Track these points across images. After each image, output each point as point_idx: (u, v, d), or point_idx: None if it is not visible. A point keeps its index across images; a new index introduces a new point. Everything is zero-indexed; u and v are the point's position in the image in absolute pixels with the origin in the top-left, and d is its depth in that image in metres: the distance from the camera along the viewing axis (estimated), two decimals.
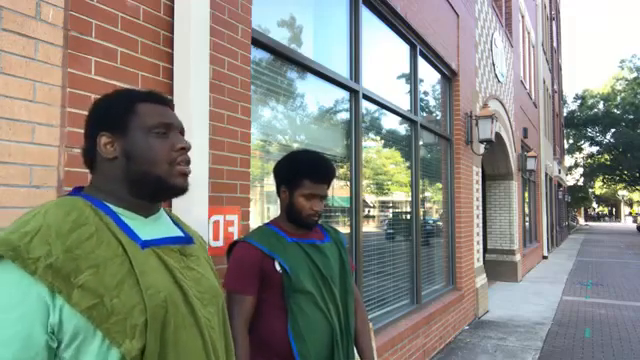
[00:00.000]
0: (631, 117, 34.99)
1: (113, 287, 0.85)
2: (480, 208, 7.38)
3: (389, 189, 4.84)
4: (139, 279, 0.88)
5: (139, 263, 0.91)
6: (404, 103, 5.08)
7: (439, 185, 6.20)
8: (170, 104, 1.07)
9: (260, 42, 2.71)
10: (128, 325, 0.84)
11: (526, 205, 12.77)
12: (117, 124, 0.98)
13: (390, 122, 4.83)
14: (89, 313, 0.81)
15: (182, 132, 1.06)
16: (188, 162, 1.02)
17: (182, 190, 1.02)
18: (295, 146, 3.21)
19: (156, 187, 0.99)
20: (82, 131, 1.60)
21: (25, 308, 0.79)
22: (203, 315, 0.99)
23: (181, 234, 1.08)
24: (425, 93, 5.90)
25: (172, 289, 0.94)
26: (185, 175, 1.01)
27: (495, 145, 8.58)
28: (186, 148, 1.01)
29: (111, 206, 0.97)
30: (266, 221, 1.85)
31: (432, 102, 6.24)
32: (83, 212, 0.91)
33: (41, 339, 0.80)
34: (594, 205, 75.75)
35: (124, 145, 0.98)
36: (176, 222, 1.13)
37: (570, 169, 41.65)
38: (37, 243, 0.82)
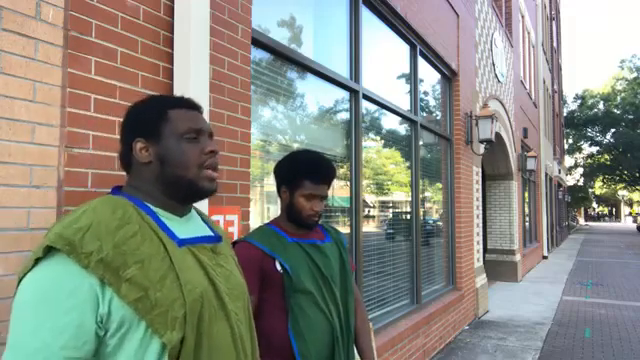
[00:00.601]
0: (631, 117, 34.99)
1: (156, 281, 0.91)
2: (480, 208, 7.38)
3: (389, 189, 4.84)
4: (179, 275, 0.95)
5: (178, 260, 0.97)
6: (404, 103, 5.08)
7: (439, 185, 6.20)
8: (199, 109, 1.13)
9: (260, 42, 2.71)
10: (169, 317, 0.91)
11: (526, 205, 12.77)
12: (151, 131, 1.05)
13: (390, 122, 4.83)
14: (135, 305, 0.88)
15: (211, 135, 1.12)
16: (216, 166, 1.09)
17: (210, 193, 1.08)
18: (295, 146, 3.21)
19: (187, 190, 1.05)
20: (82, 131, 1.61)
21: (78, 298, 0.86)
22: (232, 309, 1.05)
23: (211, 233, 1.15)
24: (425, 93, 5.90)
25: (206, 285, 1.00)
26: (212, 179, 1.07)
27: (495, 145, 8.58)
28: (215, 151, 1.08)
29: (150, 206, 1.04)
30: (266, 221, 1.85)
31: (432, 102, 6.24)
32: (127, 210, 0.97)
33: (91, 328, 0.86)
34: (594, 205, 75.75)
35: (158, 150, 1.05)
36: (205, 221, 1.20)
37: (570, 169, 41.66)
38: (89, 239, 0.88)
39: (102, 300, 0.87)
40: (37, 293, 0.86)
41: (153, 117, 1.06)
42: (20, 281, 0.90)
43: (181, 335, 0.92)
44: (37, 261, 0.89)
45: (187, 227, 1.09)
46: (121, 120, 1.75)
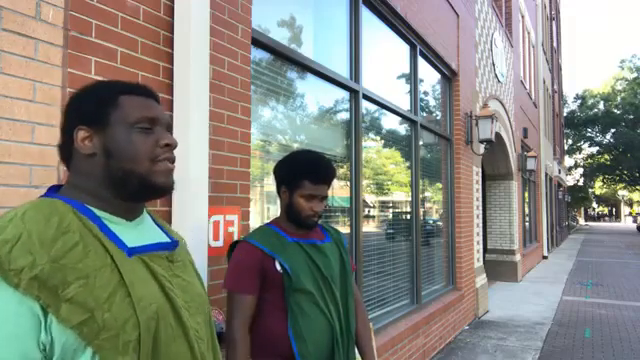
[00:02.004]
0: (631, 117, 34.99)
1: (104, 300, 0.78)
2: (480, 208, 7.38)
3: (389, 189, 4.83)
4: (130, 290, 0.82)
5: (128, 273, 0.83)
6: (404, 103, 5.08)
7: (439, 185, 6.20)
8: (156, 97, 0.99)
9: (260, 42, 2.71)
10: (121, 342, 0.78)
11: (526, 205, 12.77)
12: (97, 117, 0.90)
13: (390, 122, 4.83)
14: (79, 329, 0.75)
15: (169, 128, 0.99)
16: (173, 160, 0.95)
17: (166, 189, 0.94)
18: (295, 146, 3.21)
19: (138, 186, 0.91)
20: None
21: (18, 325, 0.72)
22: (191, 325, 0.92)
23: (166, 238, 1.01)
24: (425, 93, 5.90)
25: (161, 300, 0.87)
26: (167, 174, 0.93)
27: (495, 145, 8.58)
28: (171, 145, 0.94)
29: (94, 210, 0.89)
30: (266, 221, 1.85)
31: (432, 102, 6.24)
32: (65, 217, 0.82)
33: (37, 355, 0.73)
34: (594, 205, 75.74)
35: (104, 140, 0.90)
36: (159, 224, 1.06)
37: (570, 169, 41.66)
38: (18, 253, 0.73)
39: (43, 325, 0.73)
40: None
41: (100, 102, 0.91)
42: None
43: None
44: None
45: (138, 233, 0.94)
46: None
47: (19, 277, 0.72)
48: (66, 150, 0.93)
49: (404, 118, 5.00)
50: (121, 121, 0.90)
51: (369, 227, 4.28)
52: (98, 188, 0.90)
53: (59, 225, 0.80)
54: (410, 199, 5.15)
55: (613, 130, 35.97)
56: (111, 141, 0.89)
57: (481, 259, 7.32)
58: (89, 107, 0.91)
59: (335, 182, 3.57)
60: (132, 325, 0.80)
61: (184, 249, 1.07)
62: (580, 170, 44.11)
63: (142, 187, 0.91)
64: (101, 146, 0.90)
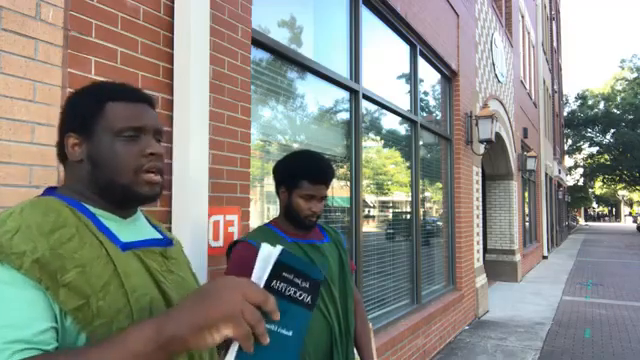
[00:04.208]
0: (631, 117, 34.98)
1: (99, 289, 0.80)
2: (480, 208, 7.38)
3: (389, 189, 4.84)
4: (124, 282, 0.84)
5: (122, 265, 0.86)
6: (404, 103, 5.08)
7: (439, 185, 6.20)
8: (147, 100, 0.98)
9: (260, 42, 2.71)
10: (114, 329, 0.79)
11: (526, 205, 12.77)
12: (83, 125, 0.92)
13: (390, 122, 4.83)
14: (75, 314, 0.77)
15: (159, 133, 0.97)
16: (159, 169, 0.95)
17: (149, 199, 0.95)
18: (295, 146, 3.21)
19: (122, 196, 0.92)
20: None
21: (26, 300, 0.74)
22: None
23: (160, 236, 1.03)
24: (425, 93, 5.90)
25: (155, 293, 0.89)
26: (152, 184, 0.93)
27: (495, 145, 8.58)
28: (156, 154, 0.93)
29: (88, 207, 0.91)
30: (266, 221, 1.85)
31: (432, 102, 6.24)
32: (61, 213, 0.85)
33: (49, 322, 0.75)
34: (594, 205, 75.73)
35: (89, 149, 0.91)
36: (153, 224, 1.07)
37: (570, 169, 41.66)
38: (19, 240, 0.76)
39: (53, 305, 0.76)
40: None
41: (87, 110, 0.92)
42: None
43: None
44: None
45: (132, 230, 0.96)
46: None
47: (21, 260, 0.75)
48: (61, 152, 0.95)
49: (404, 118, 5.00)
50: (106, 130, 0.91)
51: (369, 227, 4.29)
52: (87, 191, 0.93)
53: (56, 220, 0.82)
54: (410, 199, 5.15)
55: (613, 130, 35.96)
56: (96, 150, 0.91)
57: (481, 259, 7.33)
58: (77, 115, 0.93)
59: (335, 182, 3.57)
60: (125, 315, 0.81)
61: (179, 249, 1.09)
62: (580, 170, 44.12)
63: (125, 196, 0.93)
64: (87, 154, 0.92)
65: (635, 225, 43.83)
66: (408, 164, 5.16)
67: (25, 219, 0.80)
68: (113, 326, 0.79)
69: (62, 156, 0.95)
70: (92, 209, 0.91)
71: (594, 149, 40.00)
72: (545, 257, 14.82)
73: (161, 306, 0.89)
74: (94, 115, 0.92)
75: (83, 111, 0.92)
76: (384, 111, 4.59)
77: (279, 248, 0.80)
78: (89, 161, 0.91)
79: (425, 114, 5.73)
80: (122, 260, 0.87)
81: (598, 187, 55.54)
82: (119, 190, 0.91)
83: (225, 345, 0.79)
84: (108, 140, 0.91)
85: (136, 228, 0.98)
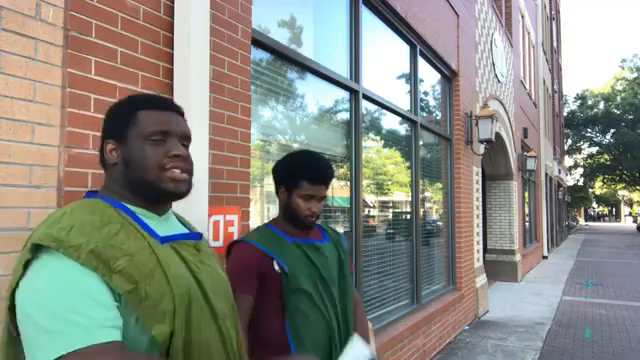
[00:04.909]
0: (631, 117, 34.97)
1: (146, 275, 0.91)
2: (480, 208, 7.38)
3: (389, 189, 4.84)
4: (165, 270, 0.95)
5: (162, 256, 0.97)
6: (404, 103, 5.08)
7: (439, 185, 6.20)
8: (175, 109, 1.10)
9: (260, 42, 2.71)
10: (159, 311, 0.91)
11: (526, 205, 12.77)
12: (119, 133, 1.05)
13: (390, 122, 4.83)
14: (127, 297, 0.88)
15: (185, 137, 1.09)
16: (183, 169, 1.05)
17: (174, 194, 1.05)
18: (295, 146, 3.21)
19: (150, 192, 1.04)
20: (82, 131, 1.61)
21: (85, 286, 0.85)
22: (217, 306, 1.05)
23: (189, 232, 1.15)
24: (425, 93, 5.90)
25: (191, 281, 1.01)
26: (176, 181, 1.04)
27: (495, 145, 8.57)
28: (180, 155, 1.04)
29: (128, 206, 1.03)
30: (266, 221, 1.85)
31: (432, 102, 6.24)
32: (105, 212, 0.97)
33: (113, 302, 0.87)
34: (594, 205, 75.74)
35: (123, 152, 1.04)
36: (182, 222, 1.19)
37: (570, 169, 41.64)
38: (75, 235, 0.88)
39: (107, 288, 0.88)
40: (49, 285, 0.84)
41: (122, 119, 1.05)
42: (14, 292, 0.87)
43: (170, 329, 0.92)
44: (26, 265, 0.88)
45: (167, 225, 1.09)
46: None
47: (78, 251, 0.86)
48: (102, 158, 1.09)
49: (404, 118, 5.00)
50: (137, 135, 1.04)
51: (369, 227, 4.28)
52: (123, 191, 1.05)
53: (101, 218, 0.95)
54: (410, 199, 5.15)
55: (613, 130, 35.94)
56: (128, 153, 1.04)
57: (481, 259, 7.32)
58: (113, 124, 1.07)
59: (335, 182, 3.57)
60: (168, 299, 0.93)
61: (208, 244, 1.22)
62: (580, 170, 44.11)
63: (153, 192, 1.04)
64: (121, 157, 1.04)
65: (635, 225, 43.83)
66: (408, 164, 5.16)
67: (76, 217, 0.93)
68: (158, 308, 0.91)
69: (103, 161, 1.08)
70: (131, 207, 1.03)
71: (594, 149, 40.00)
72: (545, 257, 14.81)
73: (197, 293, 1.00)
74: (127, 123, 1.05)
75: (118, 120, 1.06)
76: (384, 111, 4.59)
77: (370, 353, 1.00)
78: (122, 163, 1.04)
79: (425, 114, 5.73)
80: (162, 252, 0.98)
81: (598, 187, 55.53)
82: (146, 186, 1.03)
83: None
84: (138, 144, 1.03)
85: (169, 224, 1.10)
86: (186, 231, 1.13)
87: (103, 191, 1.07)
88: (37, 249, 0.88)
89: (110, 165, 1.06)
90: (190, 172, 1.08)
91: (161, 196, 1.05)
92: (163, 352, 0.92)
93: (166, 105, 1.09)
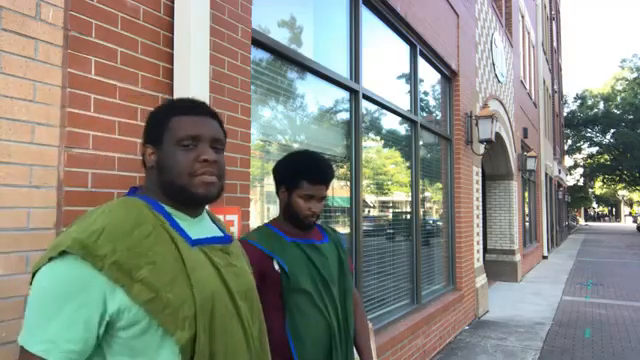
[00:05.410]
0: (631, 117, 34.96)
1: (168, 283, 0.95)
2: (480, 208, 7.38)
3: (389, 189, 4.84)
4: (190, 275, 0.98)
5: (190, 260, 1.00)
6: (404, 103, 5.08)
7: (439, 185, 6.20)
8: (209, 114, 1.13)
9: (260, 42, 2.71)
10: (180, 317, 0.94)
11: (526, 205, 12.77)
12: (155, 138, 1.10)
13: (390, 122, 4.83)
14: (147, 306, 0.92)
15: (217, 141, 1.12)
16: (212, 173, 1.08)
17: (204, 198, 1.08)
18: (295, 146, 3.21)
19: (181, 196, 1.08)
20: (82, 131, 1.61)
21: (89, 296, 0.90)
22: (242, 307, 1.08)
23: (221, 234, 1.18)
24: (425, 93, 5.90)
25: (218, 284, 1.04)
26: (206, 184, 1.07)
27: (495, 145, 8.57)
28: (208, 160, 1.07)
29: (165, 207, 1.08)
30: (266, 221, 1.85)
31: (432, 102, 6.24)
32: (142, 212, 1.02)
33: (95, 325, 0.91)
34: (594, 205, 75.72)
35: (159, 157, 1.09)
36: (215, 221, 1.23)
37: (570, 169, 41.64)
38: (103, 241, 0.92)
39: (112, 299, 0.91)
40: (53, 286, 0.91)
41: (158, 125, 1.10)
42: (34, 274, 0.95)
43: (191, 334, 0.95)
44: (51, 258, 0.93)
45: (199, 228, 1.12)
46: (121, 120, 1.76)
47: (103, 262, 0.91)
48: (143, 161, 1.14)
49: (404, 118, 5.00)
50: (170, 140, 1.08)
51: (369, 227, 4.28)
52: (159, 193, 1.10)
53: (137, 218, 0.99)
54: (410, 199, 5.15)
55: (613, 130, 35.94)
56: (162, 157, 1.08)
57: (481, 259, 7.32)
58: (151, 129, 1.12)
59: (335, 182, 3.57)
60: (189, 304, 0.96)
61: (236, 243, 1.25)
62: (580, 170, 44.10)
63: (184, 196, 1.08)
64: (157, 161, 1.09)
65: (635, 225, 43.82)
66: (408, 164, 5.16)
67: (112, 217, 0.97)
68: (179, 314, 0.94)
69: (144, 163, 1.14)
70: (167, 209, 1.08)
71: (594, 149, 40.00)
72: (545, 257, 14.81)
73: (223, 296, 1.04)
74: (162, 128, 1.09)
75: (155, 125, 1.11)
76: (384, 111, 4.59)
77: None
78: (157, 167, 1.09)
79: (425, 114, 5.73)
80: (191, 256, 1.02)
81: (598, 187, 55.54)
82: (178, 191, 1.07)
83: None
84: (171, 149, 1.07)
85: (203, 226, 1.14)
86: (218, 234, 1.16)
87: (143, 190, 1.13)
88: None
89: (149, 168, 1.11)
90: (220, 176, 1.10)
91: (192, 200, 1.08)
92: (188, 356, 0.95)
93: (198, 110, 1.12)
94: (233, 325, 1.04)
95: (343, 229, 3.75)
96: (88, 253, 0.91)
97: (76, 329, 0.90)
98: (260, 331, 1.15)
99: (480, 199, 7.37)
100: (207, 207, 1.21)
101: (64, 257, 0.92)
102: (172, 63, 1.99)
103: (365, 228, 4.04)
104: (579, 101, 39.45)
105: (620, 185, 46.03)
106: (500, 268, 9.93)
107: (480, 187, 7.37)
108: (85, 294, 0.91)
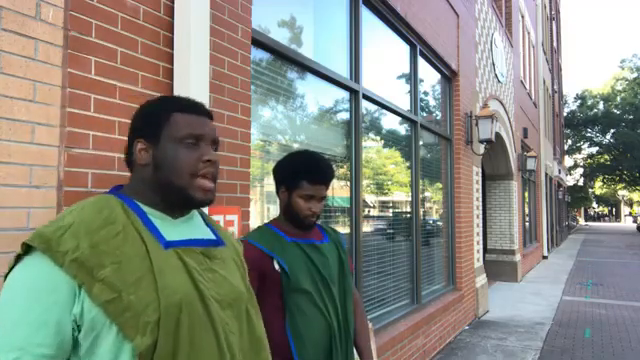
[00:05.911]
0: (631, 117, 34.96)
1: (131, 284, 0.89)
2: (480, 208, 7.38)
3: (389, 189, 4.84)
4: (157, 278, 0.92)
5: (159, 262, 0.95)
6: (404, 103, 5.08)
7: (439, 185, 6.20)
8: (209, 114, 1.11)
9: (260, 42, 2.71)
10: (141, 321, 0.88)
11: (526, 205, 12.77)
12: (152, 132, 1.04)
13: (390, 122, 4.83)
14: (106, 307, 0.87)
15: (216, 143, 1.09)
16: (213, 176, 1.05)
17: (200, 204, 1.05)
18: (295, 146, 3.21)
19: (177, 197, 1.03)
20: (82, 131, 1.61)
21: (57, 296, 0.86)
22: (220, 317, 1.00)
23: (212, 236, 1.12)
24: (425, 93, 5.90)
25: (189, 290, 0.97)
26: (205, 190, 1.04)
27: (495, 145, 8.57)
28: (212, 161, 1.04)
29: (141, 205, 1.03)
30: (266, 221, 1.85)
31: (432, 102, 6.24)
32: (114, 211, 0.97)
33: (68, 326, 0.87)
34: (594, 205, 75.71)
35: (155, 153, 1.03)
36: (209, 223, 1.17)
37: (570, 169, 41.64)
38: (68, 237, 0.89)
39: (77, 299, 0.87)
40: (18, 289, 0.87)
41: (155, 119, 1.05)
42: (5, 278, 0.92)
43: (152, 340, 0.88)
44: (18, 258, 0.91)
45: (181, 229, 1.06)
46: (121, 120, 1.76)
47: (63, 258, 0.87)
48: (128, 156, 1.08)
49: (404, 118, 5.00)
50: (171, 136, 1.03)
51: (369, 227, 4.28)
52: (148, 191, 1.04)
53: (107, 217, 0.95)
54: (410, 199, 5.15)
55: (613, 130, 35.94)
56: (161, 154, 1.03)
57: (481, 259, 7.32)
58: (146, 123, 1.06)
59: (335, 182, 3.57)
60: (153, 309, 0.90)
61: (234, 250, 1.18)
62: (580, 170, 44.10)
63: (180, 198, 1.04)
64: (153, 158, 1.04)
65: (635, 225, 43.83)
66: (408, 164, 5.16)
67: (81, 216, 0.93)
68: (140, 318, 0.88)
69: (128, 160, 1.08)
70: (144, 207, 1.03)
71: (594, 149, 40.00)
72: (545, 257, 14.81)
73: (194, 302, 0.96)
74: (162, 123, 1.04)
75: (152, 120, 1.05)
76: (384, 111, 4.59)
77: None
78: (153, 164, 1.03)
79: (425, 114, 5.73)
80: (161, 257, 0.96)
81: (598, 187, 55.53)
82: (175, 191, 1.02)
83: None
84: (172, 146, 1.03)
85: (187, 227, 1.08)
86: (205, 236, 1.10)
87: (125, 188, 1.08)
88: (29, 246, 0.90)
89: (138, 165, 1.05)
90: (216, 178, 1.08)
91: (188, 203, 1.04)
92: None
93: (199, 110, 1.09)
94: (203, 335, 0.96)
95: (343, 229, 3.75)
96: (48, 247, 0.87)
97: (46, 332, 0.85)
98: (252, 343, 1.07)
99: (480, 199, 7.37)
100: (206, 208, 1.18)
101: (32, 255, 0.89)
102: (172, 63, 1.99)
103: (365, 228, 4.04)
104: (579, 101, 39.46)
105: (620, 185, 46.03)
106: (500, 268, 9.93)
107: (480, 187, 7.37)
108: (53, 293, 0.86)
